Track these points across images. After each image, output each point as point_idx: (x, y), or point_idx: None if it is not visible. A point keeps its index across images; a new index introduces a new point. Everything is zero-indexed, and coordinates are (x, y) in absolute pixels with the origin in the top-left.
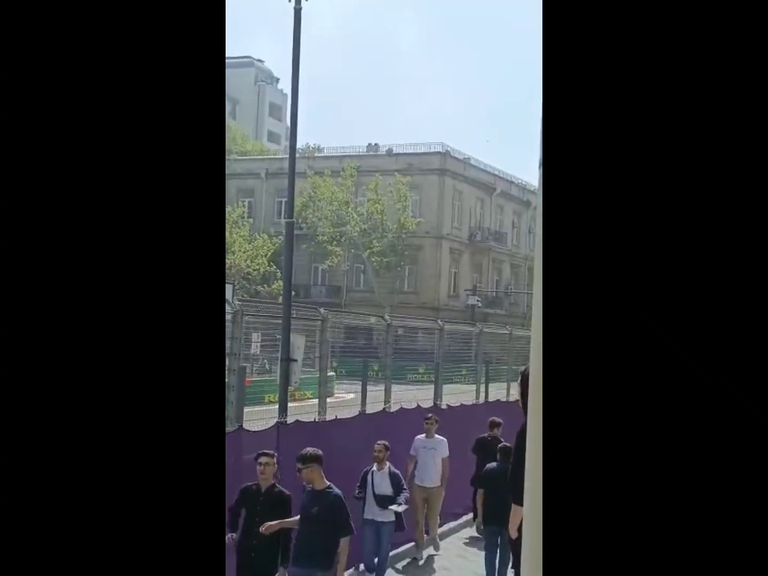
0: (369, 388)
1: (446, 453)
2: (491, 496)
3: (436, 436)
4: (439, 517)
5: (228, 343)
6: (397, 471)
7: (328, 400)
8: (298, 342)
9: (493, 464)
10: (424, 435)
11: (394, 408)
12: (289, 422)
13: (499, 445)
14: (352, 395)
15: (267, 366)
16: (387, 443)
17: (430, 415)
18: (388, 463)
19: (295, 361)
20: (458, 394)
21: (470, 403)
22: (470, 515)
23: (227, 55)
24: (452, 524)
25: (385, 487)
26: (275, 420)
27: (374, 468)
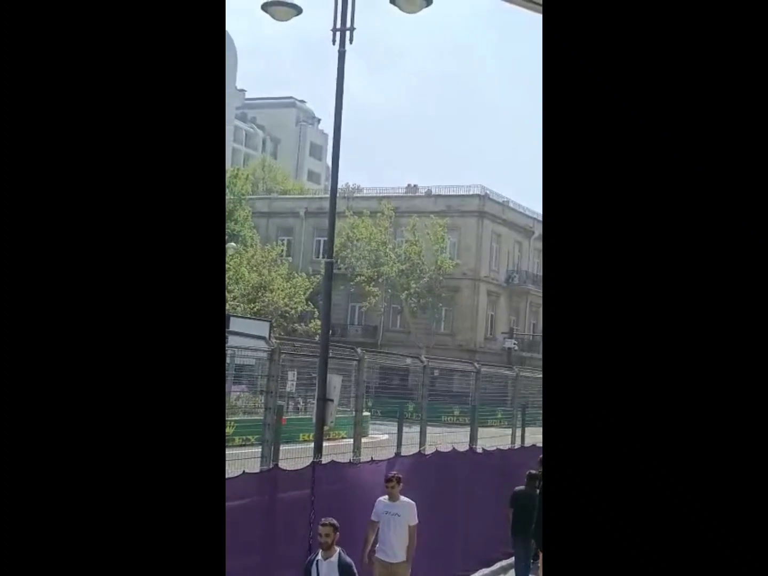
0: (404, 429)
1: (414, 520)
2: (518, 514)
3: (402, 498)
4: None
5: (265, 381)
6: (350, 561)
7: (363, 440)
8: (334, 382)
9: (521, 487)
10: (386, 497)
11: (428, 450)
12: (324, 462)
13: (527, 472)
14: (386, 436)
15: (301, 404)
16: (335, 523)
17: (392, 473)
18: (338, 549)
19: (332, 401)
20: (494, 438)
21: (506, 447)
22: (503, 562)
23: (271, 95)
24: (485, 571)
25: None
26: (310, 459)
27: (319, 556)
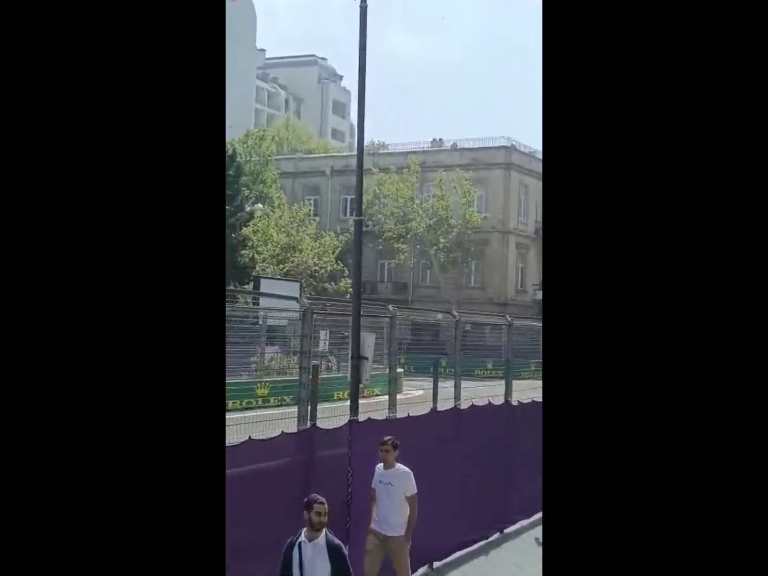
0: (438, 384)
1: (412, 489)
2: None
3: (398, 465)
4: None
5: (297, 342)
6: (339, 542)
7: (397, 396)
8: (368, 340)
9: None
10: (382, 464)
11: (464, 405)
12: (360, 420)
13: None
14: (420, 392)
15: (333, 363)
16: (322, 499)
17: (387, 438)
18: (324, 530)
19: (366, 359)
20: (528, 390)
21: (541, 399)
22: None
23: (291, 54)
24: (524, 522)
25: (319, 569)
26: (346, 417)
27: (302, 537)
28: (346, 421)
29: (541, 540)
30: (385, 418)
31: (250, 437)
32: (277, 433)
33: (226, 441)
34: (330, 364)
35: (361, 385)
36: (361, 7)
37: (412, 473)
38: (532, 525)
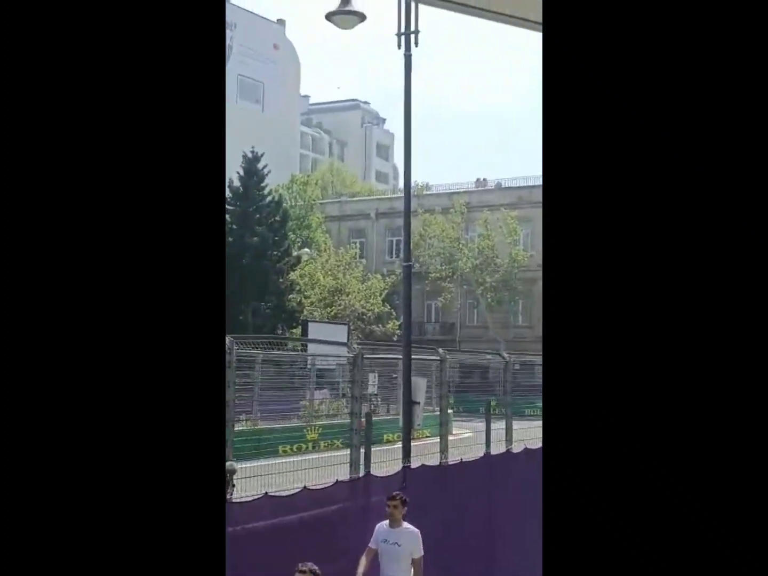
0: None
1: (418, 552)
2: None
3: (405, 524)
4: None
5: (346, 385)
6: None
7: (448, 438)
8: (419, 384)
9: None
10: (387, 522)
11: (516, 448)
12: (413, 466)
13: None
14: (469, 433)
15: (377, 405)
16: (305, 567)
17: (395, 493)
18: None
19: (418, 403)
20: None
21: None
22: None
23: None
24: None
25: None
26: (397, 461)
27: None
28: (400, 468)
29: None
30: (438, 463)
31: (305, 486)
32: (331, 479)
33: (282, 487)
34: (375, 407)
35: (414, 431)
36: (405, 55)
37: (419, 533)
38: None
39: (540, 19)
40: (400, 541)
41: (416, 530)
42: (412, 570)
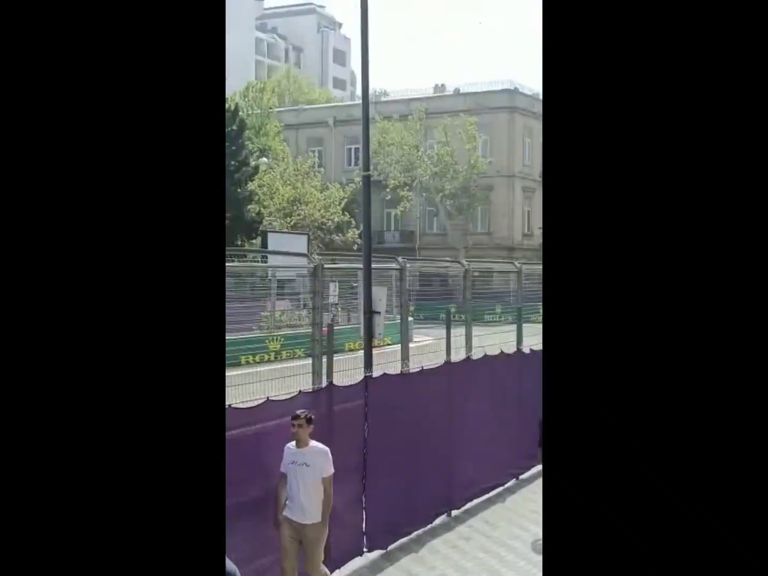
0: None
1: (328, 470)
2: None
3: (312, 443)
4: (323, 569)
5: (307, 296)
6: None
7: (409, 345)
8: (379, 294)
9: None
10: (294, 443)
11: (476, 355)
12: (375, 375)
13: None
14: (429, 340)
15: (338, 315)
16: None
17: (299, 411)
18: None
19: (378, 313)
20: (538, 335)
21: None
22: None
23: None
24: (539, 467)
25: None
26: (359, 369)
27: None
28: (362, 377)
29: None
30: (399, 372)
31: (268, 398)
32: (294, 390)
33: (244, 398)
34: (336, 316)
35: (375, 340)
36: None
37: (329, 451)
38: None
39: None
40: (309, 462)
41: (325, 448)
42: (323, 489)
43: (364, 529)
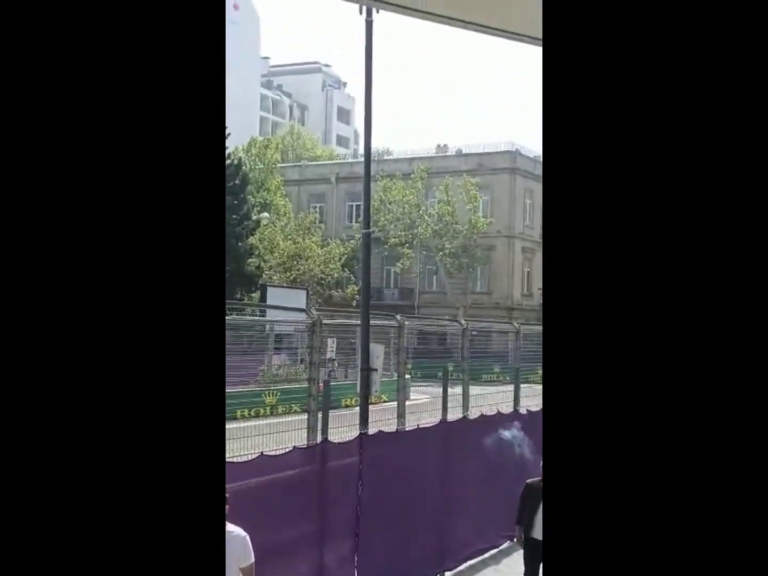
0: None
1: (246, 559)
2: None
3: (230, 528)
4: None
5: (304, 350)
6: None
7: (405, 403)
8: (377, 351)
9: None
10: None
11: (473, 414)
12: (371, 433)
13: None
14: (426, 398)
15: (335, 371)
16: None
17: None
18: None
19: (375, 370)
20: (536, 396)
21: None
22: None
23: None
24: None
25: None
26: (355, 426)
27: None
28: (357, 434)
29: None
30: (395, 430)
31: (262, 452)
32: (289, 445)
33: (238, 453)
34: (333, 372)
35: (371, 397)
36: (366, 21)
37: (247, 537)
38: None
39: (535, 34)
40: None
41: (242, 534)
42: None
43: None
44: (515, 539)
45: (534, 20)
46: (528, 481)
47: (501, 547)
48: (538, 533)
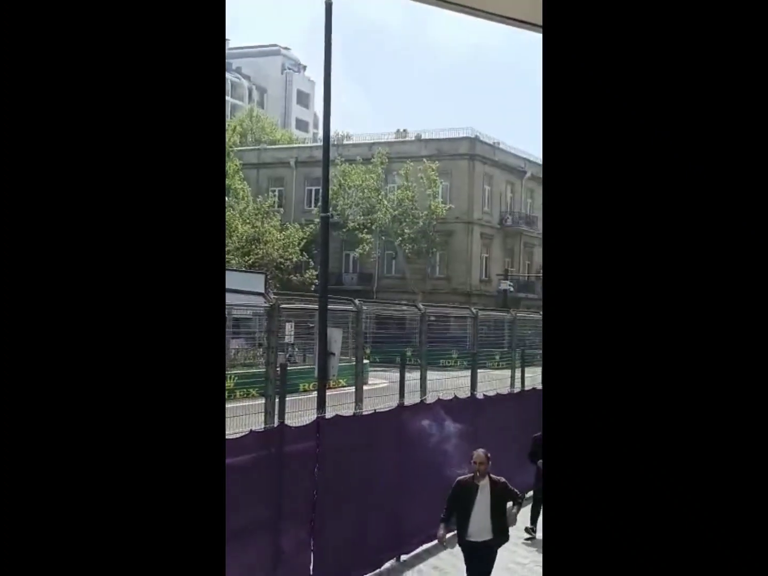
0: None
1: None
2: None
3: None
4: None
5: (262, 334)
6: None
7: (363, 388)
8: (335, 336)
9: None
10: None
11: (430, 399)
12: (328, 416)
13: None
14: (384, 383)
15: (295, 354)
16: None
17: None
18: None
19: (333, 354)
20: (493, 381)
21: (506, 392)
22: None
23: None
24: None
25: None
26: (313, 410)
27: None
28: (314, 418)
29: (529, 529)
30: (352, 414)
31: None
32: (246, 430)
33: None
34: (292, 356)
35: (328, 380)
36: (326, 3)
37: None
38: None
39: (534, 20)
40: None
41: None
42: None
43: (311, 573)
44: (438, 539)
45: (533, 4)
46: (459, 478)
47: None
48: (475, 535)
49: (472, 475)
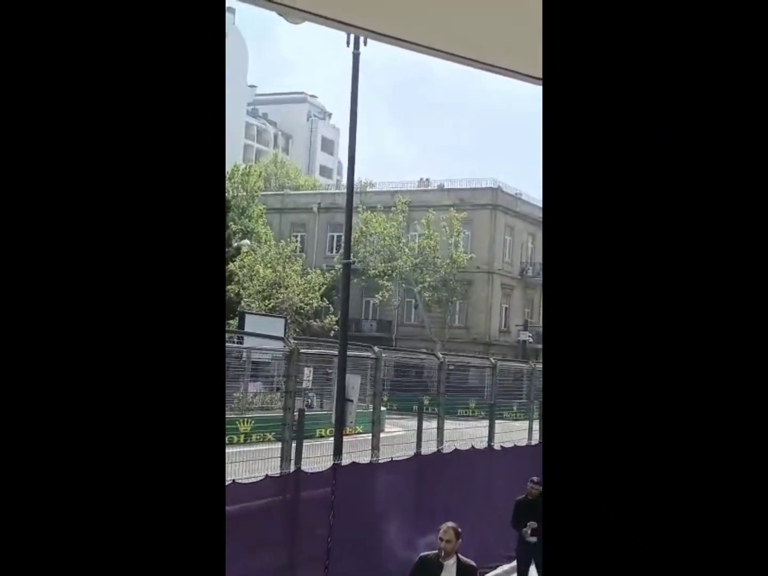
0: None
1: None
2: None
3: None
4: None
5: (280, 378)
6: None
7: (380, 435)
8: (353, 382)
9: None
10: None
11: (447, 449)
12: (344, 464)
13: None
14: (400, 431)
15: (313, 400)
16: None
17: None
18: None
19: (351, 401)
20: (511, 432)
21: (524, 443)
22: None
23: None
24: (505, 567)
25: None
26: (329, 457)
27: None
28: (330, 464)
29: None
30: (369, 461)
31: (234, 480)
32: (262, 473)
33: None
34: (310, 400)
35: (346, 428)
36: (354, 53)
37: None
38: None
39: (534, 73)
40: None
41: None
42: None
43: None
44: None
45: (533, 59)
46: (423, 554)
47: None
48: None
49: (436, 552)
